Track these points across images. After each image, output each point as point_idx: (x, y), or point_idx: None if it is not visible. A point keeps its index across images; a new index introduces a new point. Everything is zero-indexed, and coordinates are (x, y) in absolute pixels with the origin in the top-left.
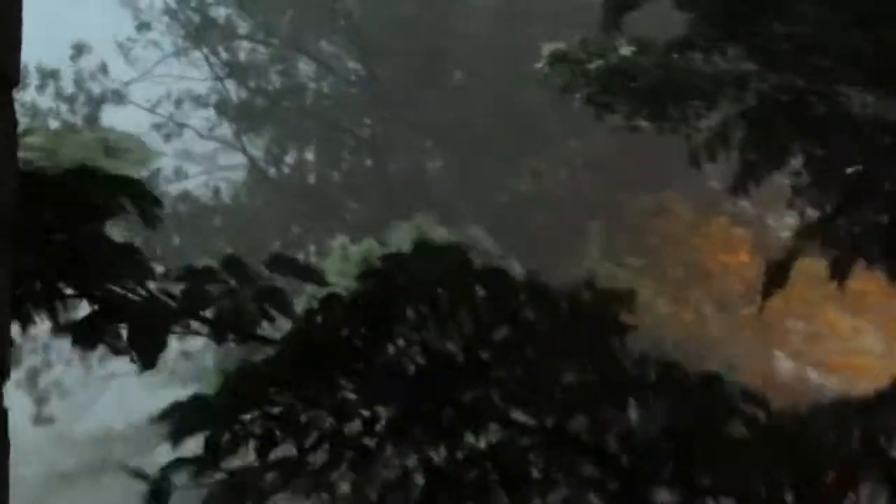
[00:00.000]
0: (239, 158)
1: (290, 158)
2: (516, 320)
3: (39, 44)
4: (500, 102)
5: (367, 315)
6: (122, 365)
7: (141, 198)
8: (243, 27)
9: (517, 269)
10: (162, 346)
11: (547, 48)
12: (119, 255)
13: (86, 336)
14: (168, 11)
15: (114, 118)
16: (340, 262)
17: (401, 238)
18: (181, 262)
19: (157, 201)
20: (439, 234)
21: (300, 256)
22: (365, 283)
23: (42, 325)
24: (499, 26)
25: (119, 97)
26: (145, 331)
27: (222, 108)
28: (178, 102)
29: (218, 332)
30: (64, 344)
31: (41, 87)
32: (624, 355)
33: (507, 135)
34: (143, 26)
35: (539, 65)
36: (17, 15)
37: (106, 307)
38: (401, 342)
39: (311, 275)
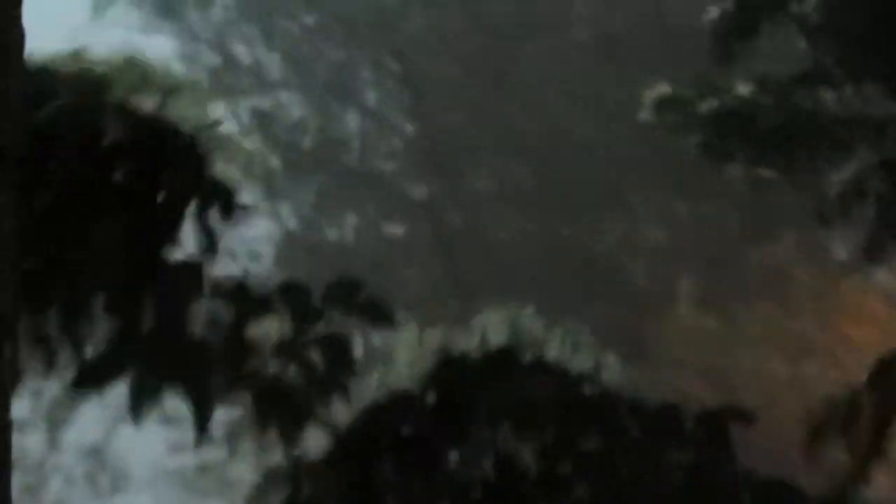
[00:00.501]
0: (266, 226)
1: (328, 223)
2: (608, 431)
3: None
4: (582, 158)
5: (438, 415)
6: None
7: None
8: (273, 72)
9: (613, 365)
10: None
11: (651, 93)
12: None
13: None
14: (181, 54)
15: None
16: (411, 349)
17: (489, 325)
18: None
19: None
20: (534, 326)
21: (346, 336)
22: (438, 379)
23: None
24: (581, 66)
25: None
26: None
27: (249, 167)
28: None
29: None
30: None
31: None
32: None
33: (591, 194)
34: None
35: (643, 113)
36: (16, 85)
37: None
38: (471, 446)
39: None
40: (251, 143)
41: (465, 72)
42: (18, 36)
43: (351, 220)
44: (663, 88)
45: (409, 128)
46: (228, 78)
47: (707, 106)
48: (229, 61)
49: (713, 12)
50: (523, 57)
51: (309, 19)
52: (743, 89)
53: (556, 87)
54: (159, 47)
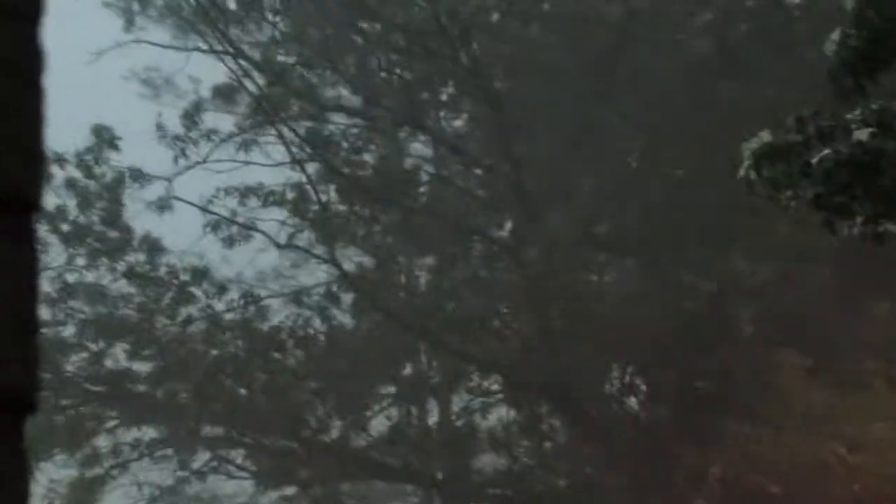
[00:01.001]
0: (324, 275)
1: (399, 270)
2: None
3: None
4: (688, 194)
5: None
6: None
7: None
8: (333, 95)
9: None
10: None
11: (748, 145)
12: None
13: None
14: (221, 88)
15: (155, 223)
16: None
17: None
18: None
19: None
20: None
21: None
22: None
23: None
24: (694, 83)
25: (160, 199)
26: None
27: (303, 205)
28: (243, 197)
29: None
30: None
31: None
32: None
33: (694, 233)
34: (190, 116)
35: (742, 169)
36: (32, 115)
37: None
38: None
39: None
40: (302, 176)
41: (557, 93)
42: (35, 55)
43: (423, 262)
44: (764, 137)
45: (489, 159)
46: (277, 100)
47: (822, 156)
48: (279, 81)
49: (834, 38)
50: (626, 73)
51: (372, 31)
52: (862, 134)
53: (662, 110)
54: (195, 66)
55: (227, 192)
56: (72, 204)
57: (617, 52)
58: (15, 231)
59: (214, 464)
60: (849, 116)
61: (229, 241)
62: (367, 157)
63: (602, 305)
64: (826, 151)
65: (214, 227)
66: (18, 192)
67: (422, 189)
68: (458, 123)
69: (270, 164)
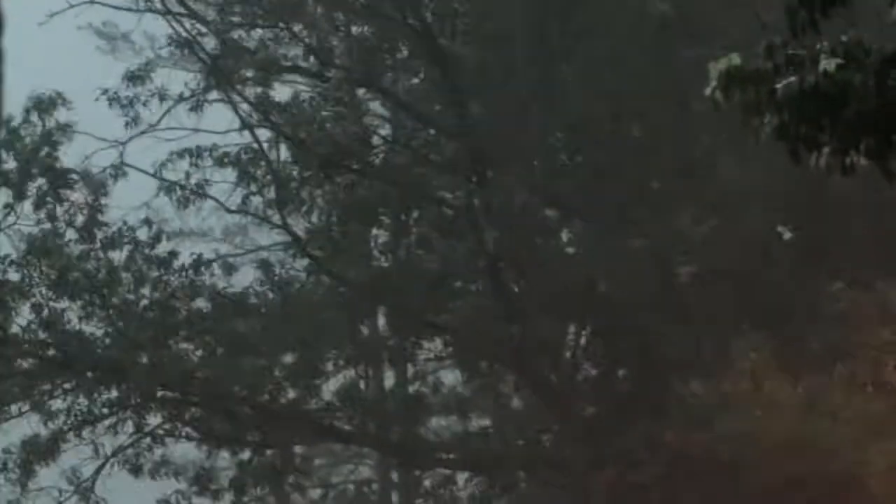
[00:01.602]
0: (278, 237)
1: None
2: None
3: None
4: (663, 153)
5: None
6: None
7: None
8: (285, 56)
9: None
10: None
11: (717, 66)
12: None
13: None
14: (176, 41)
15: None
16: None
17: None
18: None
19: None
20: None
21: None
22: None
23: None
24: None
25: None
26: None
27: (253, 168)
28: (195, 158)
29: None
30: None
31: None
32: None
33: (667, 197)
34: (136, 77)
35: (708, 89)
36: None
37: None
38: None
39: None
40: (257, 139)
41: (509, 56)
42: None
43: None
44: (733, 60)
45: (443, 121)
46: (230, 63)
47: (786, 83)
48: (231, 44)
49: None
50: (580, 33)
51: None
52: (828, 64)
53: (621, 71)
54: (149, 28)
55: (180, 155)
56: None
57: (570, 11)
58: None
59: (168, 426)
60: (818, 47)
61: (184, 202)
62: (319, 122)
63: (556, 268)
64: (791, 79)
65: (168, 189)
66: None
67: (375, 152)
68: (413, 82)
69: (221, 131)
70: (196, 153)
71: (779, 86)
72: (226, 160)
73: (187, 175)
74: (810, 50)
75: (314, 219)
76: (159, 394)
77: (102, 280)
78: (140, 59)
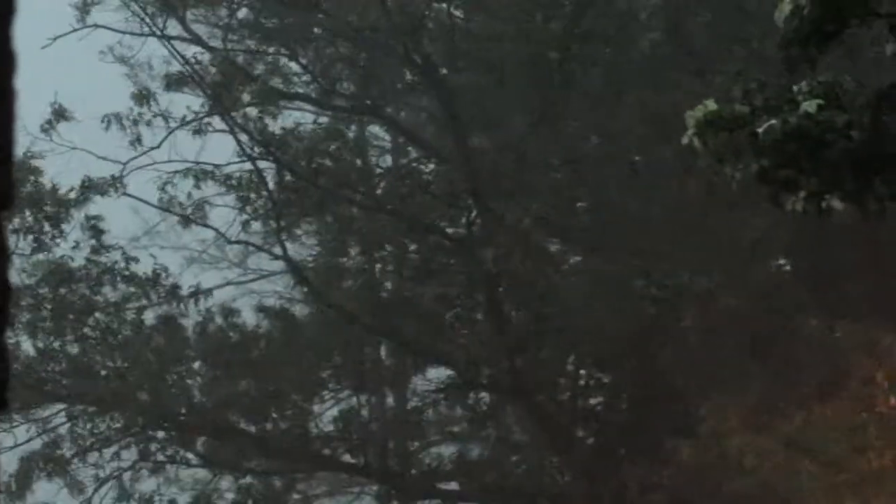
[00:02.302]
0: (277, 265)
1: (352, 265)
2: None
3: None
4: (664, 185)
5: None
6: None
7: None
8: (288, 82)
9: None
10: None
11: (693, 113)
12: None
13: None
14: (178, 72)
15: (105, 208)
16: None
17: None
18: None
19: None
20: None
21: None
22: None
23: None
24: (648, 77)
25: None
26: None
27: (254, 195)
28: (198, 181)
29: None
30: None
31: None
32: None
33: (671, 230)
34: (143, 97)
35: (685, 136)
36: (8, 127)
37: None
38: None
39: None
40: (257, 168)
41: (508, 86)
42: (7, 57)
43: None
44: (709, 106)
45: (444, 151)
46: (233, 88)
47: (768, 126)
48: (234, 71)
49: (786, 7)
50: (582, 66)
51: (328, 24)
52: (809, 105)
53: (619, 101)
54: (150, 52)
55: (183, 175)
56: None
57: (569, 42)
58: None
59: (170, 452)
60: (795, 88)
61: (185, 222)
62: (320, 153)
63: (557, 301)
64: (772, 121)
65: (168, 206)
66: None
67: (376, 182)
68: (413, 115)
69: (222, 163)
70: (198, 174)
71: (760, 129)
72: (228, 182)
73: (189, 195)
74: (787, 92)
75: (314, 248)
76: (162, 424)
77: (102, 309)
78: (148, 82)
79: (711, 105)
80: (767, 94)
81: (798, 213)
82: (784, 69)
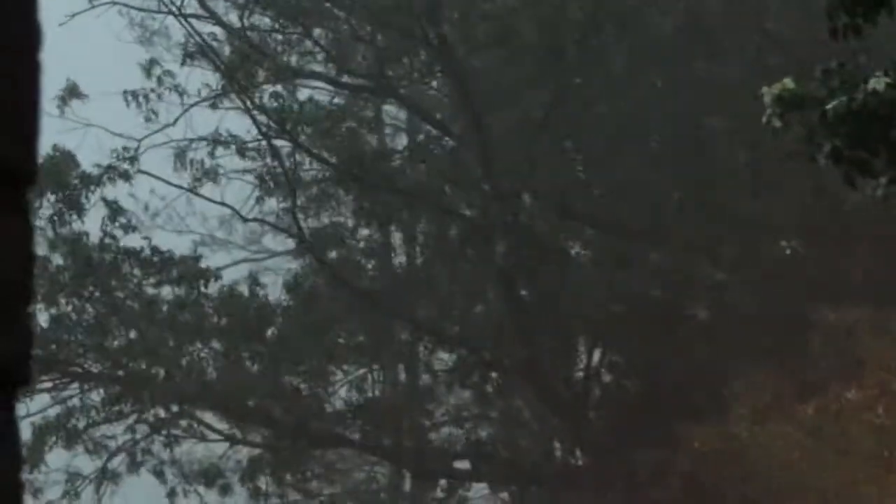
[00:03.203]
0: (292, 244)
1: (365, 245)
2: None
3: None
4: (679, 167)
5: None
6: None
7: None
8: (303, 62)
9: None
10: None
11: (770, 91)
12: None
13: None
14: (194, 48)
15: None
16: None
17: None
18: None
19: None
20: None
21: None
22: None
23: None
24: (668, 60)
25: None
26: None
27: (269, 175)
28: (207, 171)
29: None
30: None
31: None
32: None
33: (691, 219)
34: (152, 69)
35: (765, 117)
36: (27, 90)
37: None
38: None
39: None
40: (274, 147)
41: (526, 70)
42: (32, 30)
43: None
44: (786, 84)
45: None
46: (246, 72)
47: (835, 104)
48: (250, 49)
49: None
50: (599, 49)
51: (343, 4)
52: (877, 83)
53: (635, 85)
54: (167, 29)
55: (199, 140)
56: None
57: (586, 25)
58: (10, 204)
59: (184, 423)
60: (867, 66)
61: (200, 182)
62: (336, 133)
63: (571, 284)
64: (841, 99)
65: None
66: (15, 166)
67: (391, 163)
68: (430, 92)
69: (238, 140)
70: (213, 143)
71: (828, 107)
72: (244, 152)
73: (202, 163)
74: (860, 70)
75: (329, 227)
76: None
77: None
78: (164, 57)
79: (789, 83)
80: (845, 75)
81: (879, 199)
82: (830, 37)
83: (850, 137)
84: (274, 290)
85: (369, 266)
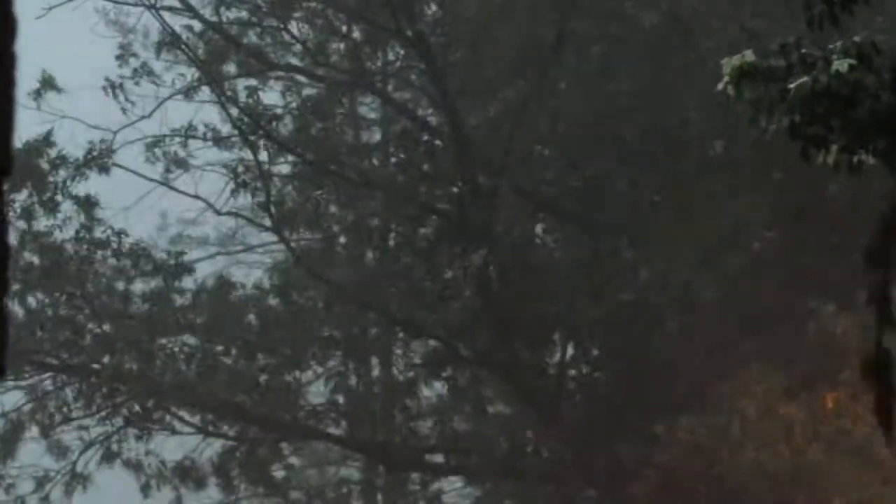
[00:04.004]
0: (268, 237)
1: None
2: None
3: None
4: (656, 163)
5: None
6: None
7: None
8: (278, 55)
9: None
10: None
11: (731, 61)
12: None
13: None
14: (168, 40)
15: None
16: None
17: None
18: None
19: None
20: None
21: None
22: None
23: None
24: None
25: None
26: None
27: (243, 169)
28: (180, 163)
29: None
30: None
31: None
32: None
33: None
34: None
35: (721, 84)
36: (9, 92)
37: None
38: None
39: None
40: (249, 143)
41: (502, 63)
42: (7, 23)
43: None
44: (747, 56)
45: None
46: (223, 59)
47: (799, 83)
48: (225, 42)
49: None
50: (577, 43)
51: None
52: (841, 65)
53: (613, 80)
54: (143, 23)
55: (172, 134)
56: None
57: (564, 19)
58: None
59: (158, 416)
60: (830, 47)
61: (171, 174)
62: (312, 130)
63: (546, 277)
64: (804, 79)
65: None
66: None
67: (366, 157)
68: (405, 87)
69: (212, 138)
70: (186, 133)
71: (791, 85)
72: (218, 142)
73: (176, 155)
74: (823, 50)
75: (303, 221)
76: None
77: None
78: (140, 51)
79: (749, 56)
80: (804, 50)
81: (827, 167)
82: (807, 27)
83: (810, 114)
84: (249, 284)
85: (344, 258)
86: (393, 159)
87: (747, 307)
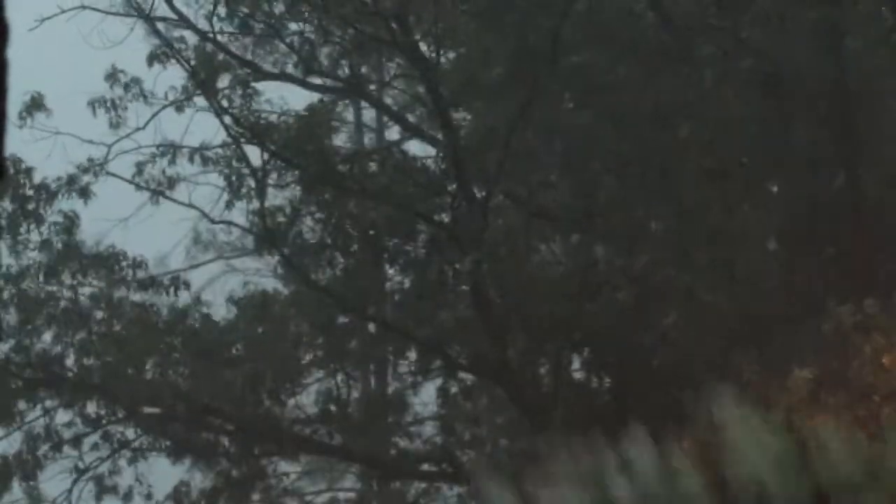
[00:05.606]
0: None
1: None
2: None
3: None
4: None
5: None
6: None
7: None
8: (272, 61)
9: None
10: None
11: None
12: None
13: None
14: (161, 51)
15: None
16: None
17: None
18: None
19: None
20: None
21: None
22: None
23: None
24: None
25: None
26: None
27: (239, 182)
28: (171, 180)
29: None
30: None
31: None
32: None
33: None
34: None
35: None
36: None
37: None
38: None
39: None
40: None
41: (498, 74)
42: None
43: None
44: None
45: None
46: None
47: None
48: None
49: None
50: (572, 51)
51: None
52: None
53: (610, 86)
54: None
55: (163, 153)
56: None
57: (559, 27)
58: None
59: (149, 440)
60: None
61: (157, 197)
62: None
63: (539, 285)
64: None
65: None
66: None
67: (360, 165)
68: (399, 94)
69: (205, 147)
70: (174, 152)
71: None
72: (209, 159)
73: (164, 172)
74: None
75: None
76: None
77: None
78: (133, 65)
79: None
80: None
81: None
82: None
83: None
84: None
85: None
86: (387, 167)
87: (748, 314)
